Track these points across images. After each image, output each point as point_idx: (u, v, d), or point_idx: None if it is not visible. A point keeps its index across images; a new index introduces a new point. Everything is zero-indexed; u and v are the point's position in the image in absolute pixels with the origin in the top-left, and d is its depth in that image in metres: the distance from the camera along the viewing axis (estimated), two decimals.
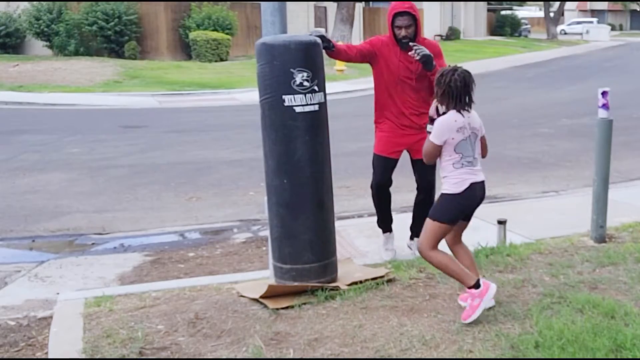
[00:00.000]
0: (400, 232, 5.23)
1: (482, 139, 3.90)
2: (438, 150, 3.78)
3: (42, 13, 23.74)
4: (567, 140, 10.99)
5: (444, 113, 3.77)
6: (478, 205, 3.89)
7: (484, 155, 3.95)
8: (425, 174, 4.93)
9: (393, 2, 4.77)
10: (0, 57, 22.57)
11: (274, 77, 4.03)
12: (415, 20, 4.68)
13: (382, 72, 4.81)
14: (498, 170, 8.74)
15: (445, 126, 3.71)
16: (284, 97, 4.03)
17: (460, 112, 3.72)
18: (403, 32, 4.69)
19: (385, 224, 5.18)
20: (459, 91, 3.69)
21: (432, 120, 3.81)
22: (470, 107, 3.79)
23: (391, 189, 5.06)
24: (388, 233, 5.19)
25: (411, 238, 5.19)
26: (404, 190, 6.05)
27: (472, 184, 3.76)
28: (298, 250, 4.18)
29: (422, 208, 5.04)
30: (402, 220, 5.29)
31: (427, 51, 4.58)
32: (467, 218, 3.95)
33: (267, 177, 4.24)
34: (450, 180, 3.77)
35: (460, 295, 4.03)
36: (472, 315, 3.69)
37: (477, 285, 3.72)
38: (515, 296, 4.11)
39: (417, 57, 4.56)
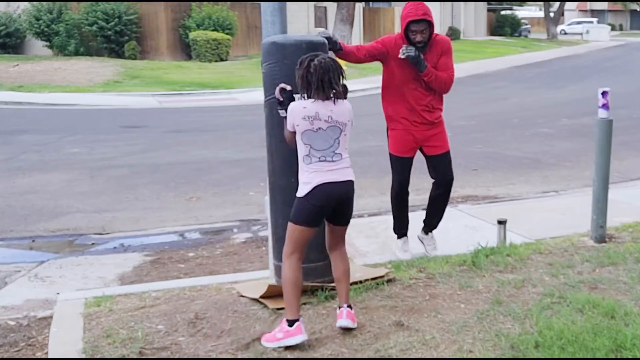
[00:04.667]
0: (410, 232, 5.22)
1: None
2: (292, 136, 3.59)
3: (42, 13, 23.75)
4: (567, 140, 10.99)
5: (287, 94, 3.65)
6: (339, 205, 3.60)
7: None
8: (442, 169, 4.95)
9: (407, 6, 4.73)
10: (0, 57, 22.58)
11: (284, 76, 4.03)
12: (429, 25, 4.68)
13: (393, 71, 4.83)
14: (498, 170, 8.76)
15: (291, 110, 3.55)
16: (294, 96, 4.03)
17: (318, 101, 3.51)
18: (418, 37, 4.69)
19: (402, 228, 5.14)
20: (317, 78, 3.46)
21: (279, 103, 3.71)
22: (331, 96, 3.52)
23: None
24: (404, 237, 5.18)
25: (424, 231, 5.20)
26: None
27: (317, 186, 3.51)
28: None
29: (438, 202, 5.08)
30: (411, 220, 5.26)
31: (413, 54, 4.63)
32: (336, 221, 3.70)
33: (273, 177, 4.23)
34: (300, 179, 3.58)
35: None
36: (270, 342, 3.51)
37: (291, 323, 3.50)
38: (515, 296, 4.11)
39: (402, 57, 4.63)
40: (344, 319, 3.62)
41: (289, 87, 3.71)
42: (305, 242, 3.64)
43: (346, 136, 3.59)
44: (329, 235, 3.77)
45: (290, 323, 3.51)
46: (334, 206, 3.59)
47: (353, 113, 3.64)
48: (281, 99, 3.71)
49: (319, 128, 3.50)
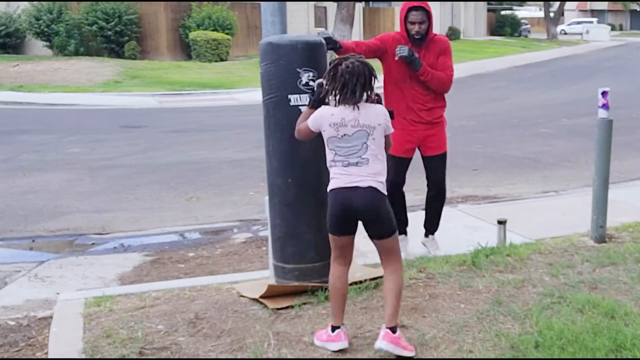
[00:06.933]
0: (409, 231, 5.22)
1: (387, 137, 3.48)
2: (308, 132, 3.48)
3: (42, 13, 23.75)
4: (567, 140, 10.99)
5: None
6: (363, 213, 3.38)
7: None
8: (434, 170, 4.97)
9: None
10: (0, 57, 22.58)
11: (280, 77, 4.03)
12: (428, 17, 4.70)
13: (391, 69, 4.83)
14: (498, 170, 8.76)
15: (319, 114, 3.42)
16: (290, 96, 4.03)
17: (346, 106, 3.35)
18: (416, 28, 4.70)
19: (398, 226, 5.13)
20: (343, 83, 3.31)
21: (319, 86, 3.50)
22: (358, 103, 3.34)
23: None
24: (403, 236, 5.17)
25: (426, 235, 5.21)
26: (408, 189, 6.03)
27: (331, 191, 3.42)
28: (302, 250, 4.18)
29: (434, 204, 5.09)
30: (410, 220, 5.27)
31: (406, 54, 4.63)
32: (369, 233, 3.48)
33: (270, 177, 4.24)
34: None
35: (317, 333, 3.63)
36: (317, 340, 3.52)
37: (333, 329, 3.45)
38: (515, 296, 4.11)
39: (396, 58, 4.64)
40: (379, 340, 3.35)
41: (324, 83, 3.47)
42: (341, 249, 3.48)
43: (376, 140, 3.37)
44: (379, 251, 3.54)
45: (333, 329, 3.46)
46: (354, 213, 3.38)
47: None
48: (312, 98, 3.55)
49: (345, 134, 3.35)
